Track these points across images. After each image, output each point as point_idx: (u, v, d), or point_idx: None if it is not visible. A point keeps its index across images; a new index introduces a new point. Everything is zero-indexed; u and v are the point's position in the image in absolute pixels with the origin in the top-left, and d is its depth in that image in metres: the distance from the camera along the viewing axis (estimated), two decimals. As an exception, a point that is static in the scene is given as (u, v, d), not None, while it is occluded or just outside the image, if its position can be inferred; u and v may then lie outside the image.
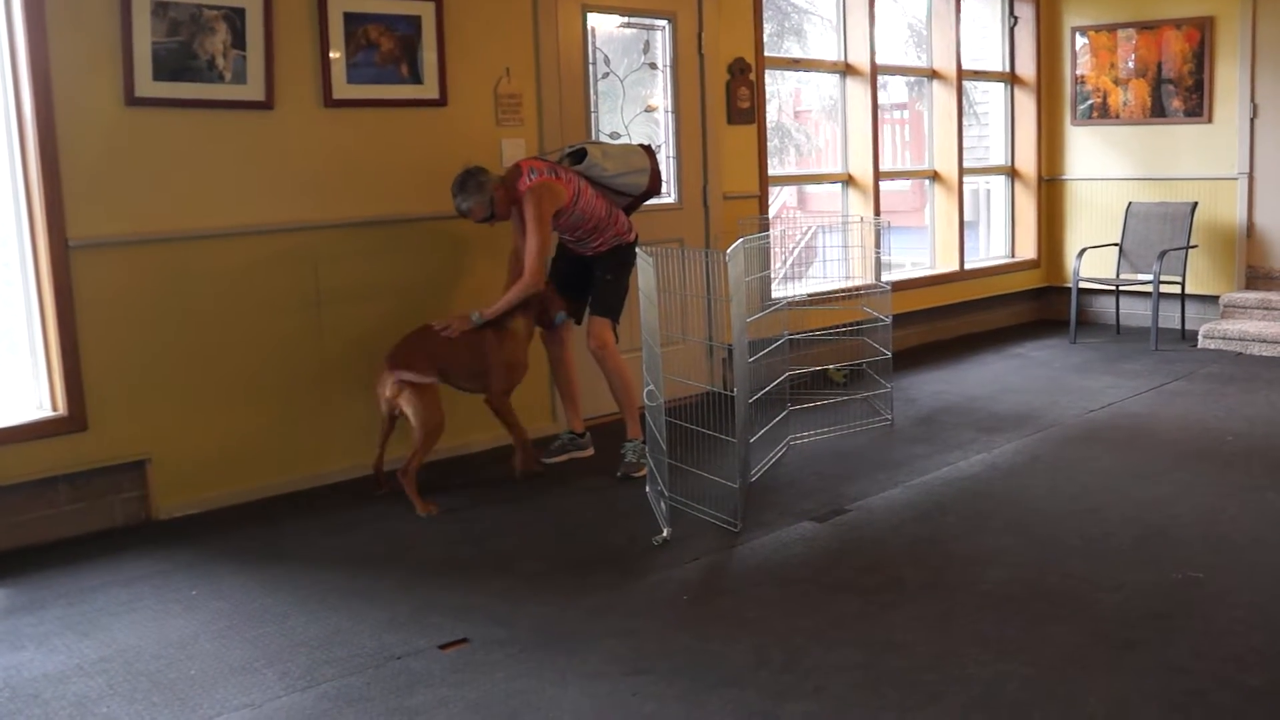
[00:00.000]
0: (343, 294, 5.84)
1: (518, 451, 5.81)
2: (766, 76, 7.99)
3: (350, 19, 5.77)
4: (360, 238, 5.90)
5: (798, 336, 6.89)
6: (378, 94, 5.92)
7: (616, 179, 6.00)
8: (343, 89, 5.79)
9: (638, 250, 5.22)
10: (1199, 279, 9.35)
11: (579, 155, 5.95)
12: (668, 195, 7.37)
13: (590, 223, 5.83)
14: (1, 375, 5.22)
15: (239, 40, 5.42)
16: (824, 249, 9.16)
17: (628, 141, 7.06)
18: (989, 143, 10.69)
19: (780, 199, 11.55)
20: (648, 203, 6.83)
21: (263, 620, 4.19)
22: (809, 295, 7.84)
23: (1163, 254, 8.96)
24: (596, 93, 6.94)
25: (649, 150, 6.16)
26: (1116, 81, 9.74)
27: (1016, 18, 10.08)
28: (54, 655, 3.95)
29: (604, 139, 6.99)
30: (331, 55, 5.73)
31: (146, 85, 5.19)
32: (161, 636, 4.08)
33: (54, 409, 5.15)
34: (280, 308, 5.68)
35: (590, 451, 6.19)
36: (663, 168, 7.28)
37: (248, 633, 4.09)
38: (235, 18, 5.39)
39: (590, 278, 5.99)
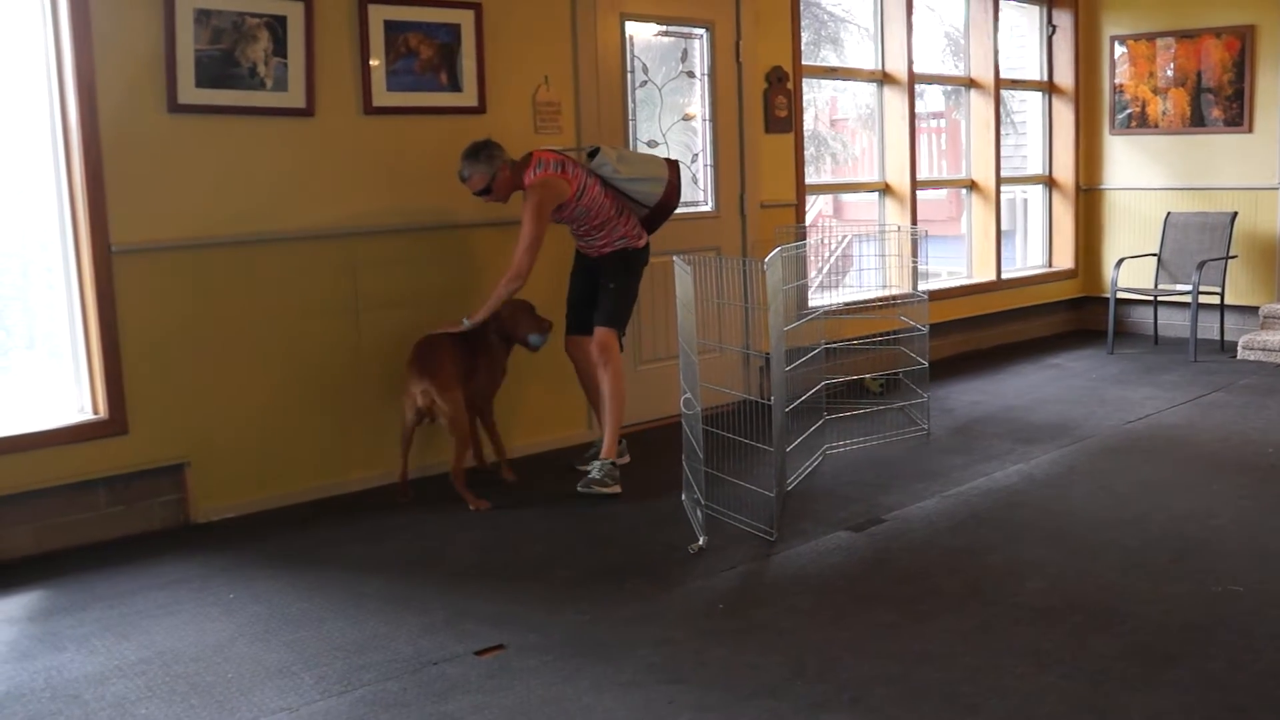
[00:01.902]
0: (382, 300, 5.87)
1: (504, 461, 5.92)
2: (803, 85, 7.99)
3: (390, 27, 5.80)
4: (400, 244, 5.93)
5: (834, 345, 6.87)
6: (417, 101, 5.94)
7: (629, 183, 5.85)
8: (382, 96, 5.82)
9: (675, 260, 5.19)
10: (1238, 290, 9.27)
11: (591, 153, 5.89)
12: (705, 204, 7.38)
13: (596, 219, 5.76)
14: (44, 379, 5.27)
15: (280, 48, 5.45)
16: (860, 258, 9.14)
17: (658, 152, 7.07)
18: (1026, 152, 10.64)
19: (816, 207, 11.54)
20: (688, 211, 6.86)
21: (300, 624, 4.21)
22: (845, 304, 7.82)
23: (1202, 264, 8.89)
24: (634, 101, 6.95)
25: (674, 165, 6.03)
26: (1155, 90, 9.68)
27: (1055, 26, 10.03)
28: (94, 656, 3.99)
29: (642, 148, 6.99)
30: (371, 63, 5.76)
31: (189, 92, 5.24)
32: (200, 639, 4.11)
33: (95, 412, 5.19)
34: (319, 313, 5.71)
35: (626, 459, 6.12)
36: (700, 176, 7.32)
37: (285, 637, 4.11)
38: (277, 25, 5.42)
39: (595, 287, 5.92)
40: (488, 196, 5.67)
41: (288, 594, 4.52)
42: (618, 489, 5.66)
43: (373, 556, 4.92)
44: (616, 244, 5.85)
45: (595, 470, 5.71)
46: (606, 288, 5.85)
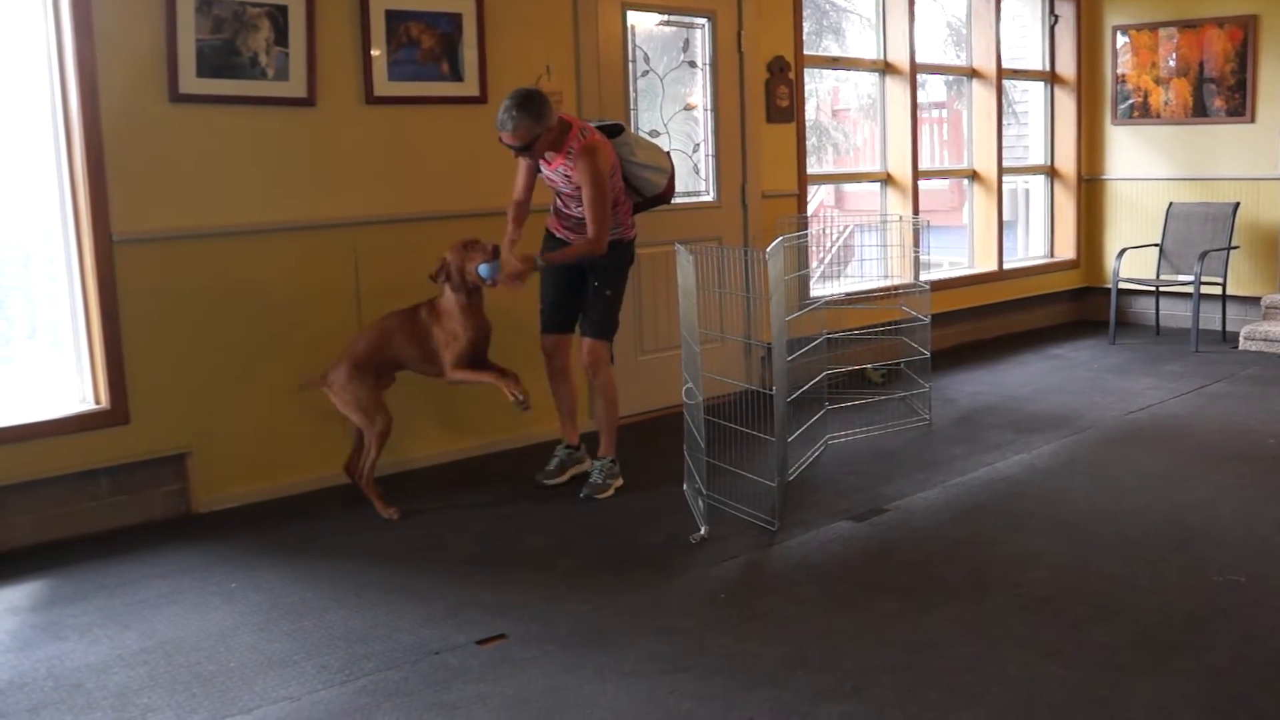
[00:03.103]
0: (383, 289, 5.86)
1: (508, 388, 5.27)
2: (805, 75, 7.97)
3: (392, 16, 5.79)
4: (400, 234, 5.93)
5: (836, 335, 6.87)
6: (418, 91, 5.94)
7: (641, 169, 5.63)
8: (384, 86, 5.81)
9: (678, 249, 5.18)
10: (1240, 280, 9.27)
11: (615, 130, 5.61)
12: (707, 194, 7.37)
13: (610, 201, 5.45)
14: (45, 369, 5.27)
15: (281, 37, 5.45)
16: (862, 248, 9.13)
17: (660, 143, 7.07)
18: (1028, 142, 10.62)
19: (818, 198, 11.53)
20: (689, 201, 6.84)
21: (301, 614, 4.22)
22: (847, 294, 7.81)
23: (1204, 255, 8.88)
24: (636, 91, 6.95)
25: (669, 156, 5.89)
26: (1158, 81, 9.66)
27: (1057, 16, 10.01)
28: (96, 646, 3.99)
29: (644, 137, 6.98)
30: (373, 52, 5.76)
31: (190, 82, 5.23)
32: (201, 629, 4.12)
33: (96, 402, 5.20)
34: (321, 303, 5.71)
35: (589, 464, 5.79)
36: (701, 166, 7.32)
37: (286, 626, 4.11)
38: (278, 15, 5.42)
39: (584, 286, 5.60)
40: (522, 153, 5.24)
41: (289, 583, 4.52)
42: (619, 481, 5.64)
43: (374, 546, 4.92)
44: (613, 234, 5.51)
45: (596, 473, 5.61)
46: (599, 292, 5.55)
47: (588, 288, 5.57)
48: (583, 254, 5.35)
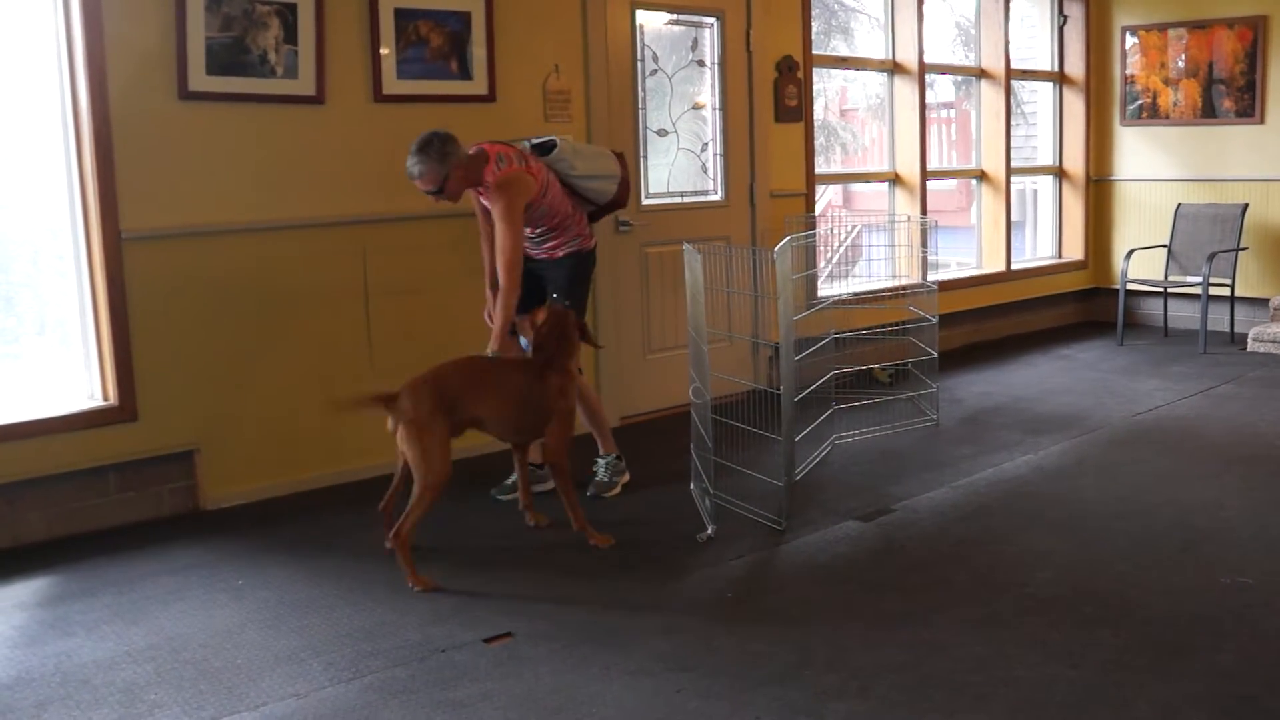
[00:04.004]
0: (391, 287, 5.87)
1: (578, 520, 4.85)
2: (814, 75, 7.97)
3: (401, 15, 5.79)
4: (409, 232, 5.93)
5: (843, 335, 6.87)
6: (427, 89, 5.94)
7: (583, 181, 5.42)
8: (393, 84, 5.82)
9: (686, 248, 5.17)
10: (1249, 281, 9.25)
11: (548, 146, 5.40)
12: (715, 193, 7.37)
13: (555, 218, 5.31)
14: (54, 365, 5.28)
15: (291, 35, 5.45)
16: (870, 248, 9.13)
17: (669, 142, 7.08)
18: (1036, 142, 10.62)
19: (826, 197, 11.52)
20: (697, 200, 6.83)
21: (308, 611, 4.22)
22: (855, 294, 7.81)
23: (1212, 256, 8.87)
24: (644, 90, 6.95)
25: (621, 158, 5.62)
26: (1166, 81, 9.65)
27: (1066, 16, 10.00)
28: (103, 642, 4.00)
29: (652, 137, 6.99)
30: (382, 51, 5.76)
31: (200, 80, 5.24)
32: (209, 625, 4.12)
33: (105, 399, 5.21)
34: (329, 300, 5.72)
35: (551, 485, 5.34)
36: (710, 165, 7.31)
37: (294, 623, 4.12)
38: (287, 13, 5.42)
39: (543, 297, 5.36)
40: (438, 197, 5.06)
41: (297, 581, 4.53)
42: (627, 477, 5.63)
43: (382, 544, 4.92)
44: (570, 245, 5.38)
45: (602, 471, 5.56)
46: (559, 303, 5.29)
47: (548, 302, 5.35)
48: (507, 310, 5.05)
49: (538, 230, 5.33)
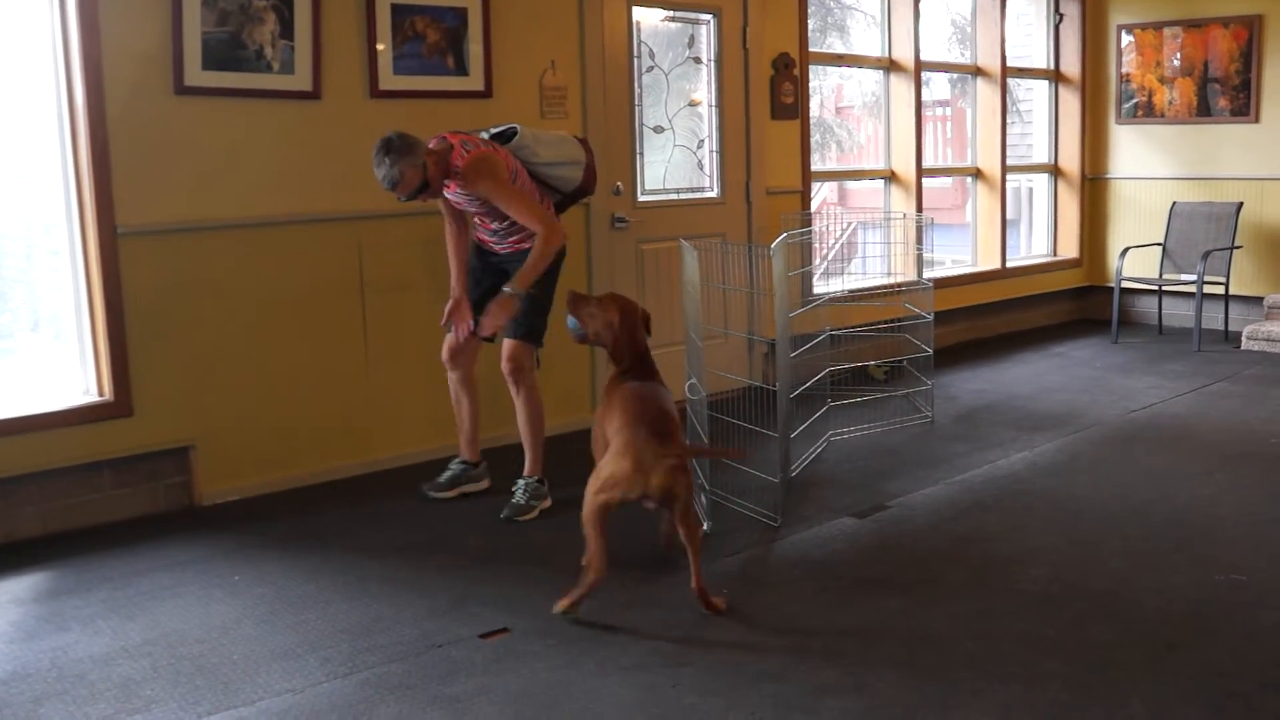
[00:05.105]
0: (387, 283, 5.87)
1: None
2: (810, 72, 7.97)
3: (397, 10, 5.79)
4: (404, 228, 5.93)
5: (839, 332, 6.88)
6: (423, 85, 5.94)
7: (548, 169, 5.25)
8: (389, 80, 5.81)
9: (682, 244, 5.17)
10: (1243, 280, 9.26)
11: (508, 134, 5.22)
12: (710, 190, 7.37)
13: None
14: (48, 361, 5.28)
15: (287, 30, 5.45)
16: (865, 245, 9.13)
17: (665, 139, 7.08)
18: (1032, 140, 10.62)
19: (821, 194, 11.53)
20: (693, 197, 6.82)
21: (304, 607, 4.22)
22: (850, 291, 7.81)
23: (1207, 254, 8.88)
24: (641, 86, 6.95)
25: (585, 143, 5.47)
26: (1162, 80, 9.66)
27: (1062, 15, 10.01)
28: (99, 637, 4.00)
29: (649, 134, 6.99)
30: (378, 46, 5.76)
31: (195, 74, 5.24)
32: (205, 621, 4.12)
33: (100, 394, 5.20)
34: (325, 296, 5.72)
35: (486, 484, 5.53)
36: (706, 162, 7.31)
37: (290, 619, 4.12)
38: (284, 8, 5.42)
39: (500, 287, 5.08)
40: (425, 194, 4.93)
41: (293, 576, 4.53)
42: (547, 503, 5.26)
43: (378, 540, 4.93)
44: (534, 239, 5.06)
45: (520, 493, 5.23)
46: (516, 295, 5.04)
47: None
48: (545, 256, 4.92)
49: (504, 224, 5.16)
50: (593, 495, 4.08)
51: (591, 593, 4.02)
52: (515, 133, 5.21)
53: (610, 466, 4.09)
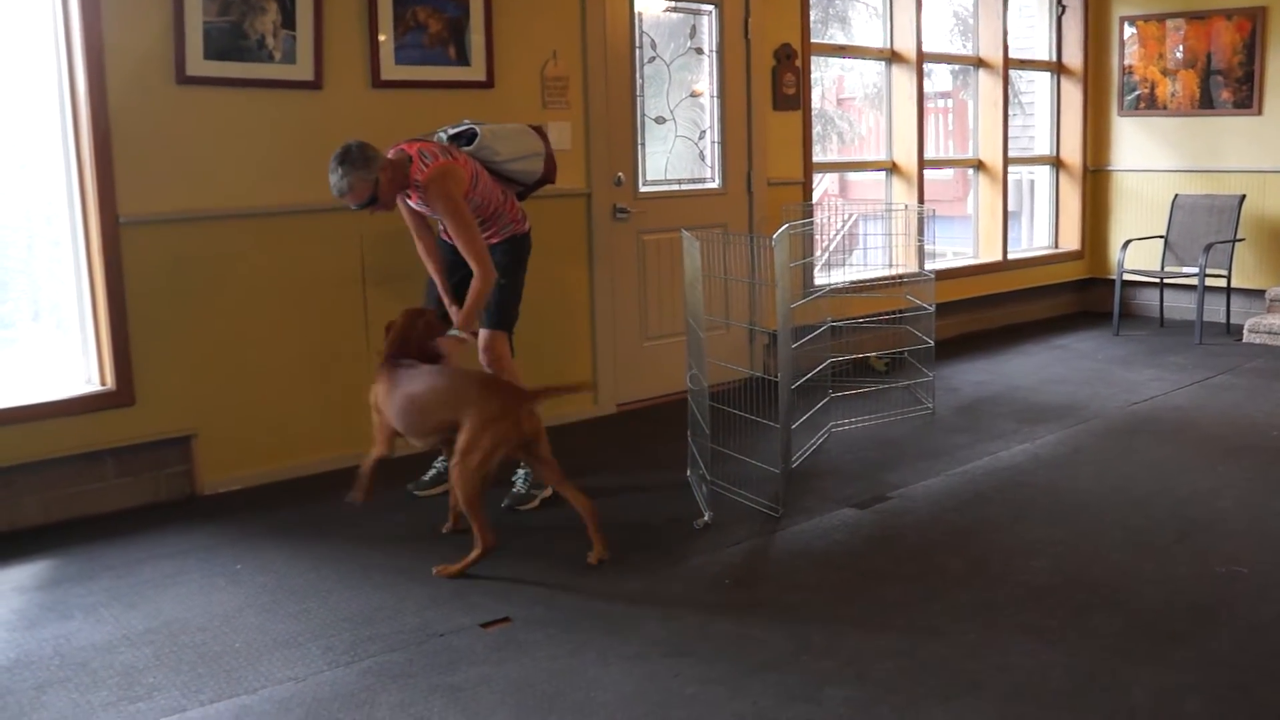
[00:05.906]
0: (388, 273, 5.87)
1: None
2: (812, 63, 7.96)
3: (399, 0, 5.78)
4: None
5: (840, 324, 6.87)
6: (425, 75, 5.93)
7: (510, 164, 5.26)
8: (391, 70, 5.81)
9: (684, 235, 5.17)
10: (1245, 272, 9.26)
11: (468, 136, 5.22)
12: (712, 181, 7.37)
13: (489, 209, 5.13)
14: (50, 350, 5.28)
15: (289, 20, 5.44)
16: (866, 236, 9.13)
17: (666, 129, 7.07)
18: (1034, 132, 10.61)
19: (823, 186, 11.51)
20: (695, 187, 6.80)
21: (306, 595, 4.23)
22: (852, 282, 7.82)
23: (1209, 247, 8.88)
24: (643, 77, 6.95)
25: (542, 132, 5.46)
26: (1164, 72, 9.65)
27: (1064, 6, 9.99)
28: (102, 625, 4.00)
29: (650, 124, 6.99)
30: (380, 37, 5.75)
31: (197, 64, 5.23)
32: (207, 609, 4.13)
33: (102, 384, 5.20)
34: (326, 286, 5.72)
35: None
36: (707, 153, 7.30)
37: (291, 607, 4.13)
38: (286, -2, 5.42)
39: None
40: (374, 207, 4.86)
41: (295, 565, 4.53)
42: (548, 492, 5.20)
43: (380, 528, 4.93)
44: (504, 233, 5.21)
45: (520, 482, 5.26)
46: (495, 284, 5.05)
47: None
48: (481, 295, 4.91)
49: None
50: (476, 468, 4.33)
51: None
52: (474, 135, 5.19)
53: (489, 431, 4.35)
